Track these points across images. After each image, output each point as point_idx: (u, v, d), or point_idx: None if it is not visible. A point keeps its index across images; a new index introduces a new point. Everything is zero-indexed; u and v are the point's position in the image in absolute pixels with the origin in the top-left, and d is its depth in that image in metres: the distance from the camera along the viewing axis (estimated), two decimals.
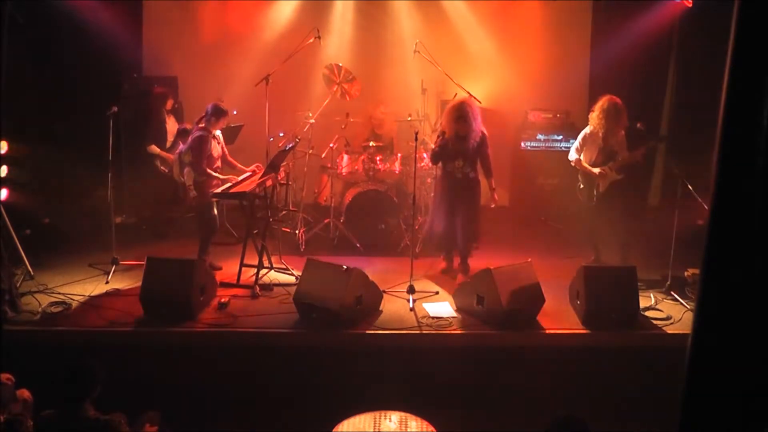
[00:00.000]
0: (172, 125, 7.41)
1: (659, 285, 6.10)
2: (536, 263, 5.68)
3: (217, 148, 6.27)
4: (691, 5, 7.43)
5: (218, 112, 6.18)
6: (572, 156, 6.38)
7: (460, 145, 6.02)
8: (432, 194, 6.59)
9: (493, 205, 6.27)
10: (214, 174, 6.21)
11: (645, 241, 6.86)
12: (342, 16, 8.33)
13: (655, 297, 5.93)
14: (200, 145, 6.12)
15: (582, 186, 6.41)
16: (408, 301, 5.73)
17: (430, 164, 7.26)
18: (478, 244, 6.42)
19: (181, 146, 6.76)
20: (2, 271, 5.29)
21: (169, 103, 7.42)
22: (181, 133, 7.17)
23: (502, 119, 8.37)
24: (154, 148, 7.21)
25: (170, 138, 7.35)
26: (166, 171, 7.29)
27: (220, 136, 6.37)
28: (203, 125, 6.19)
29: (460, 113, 5.97)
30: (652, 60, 8.02)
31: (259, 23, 8.29)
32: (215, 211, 6.39)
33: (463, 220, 6.13)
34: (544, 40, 8.48)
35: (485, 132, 6.13)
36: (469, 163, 6.09)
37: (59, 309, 5.54)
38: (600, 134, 6.23)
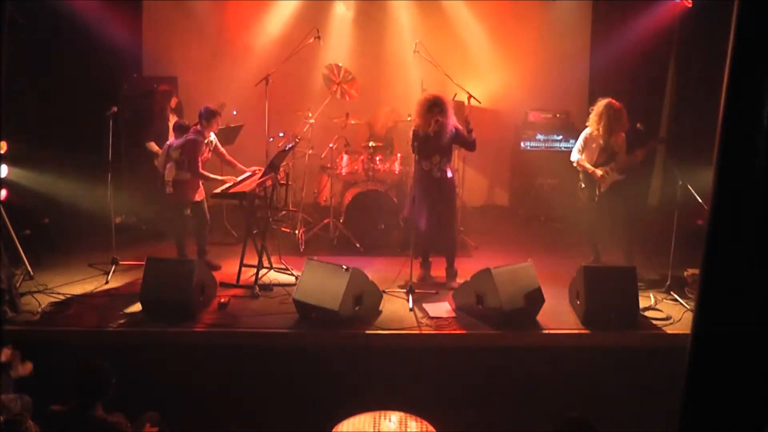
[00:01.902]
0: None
1: (659, 285, 6.10)
2: (536, 263, 5.67)
3: (206, 152, 6.25)
4: (691, 5, 7.43)
5: (210, 115, 6.18)
6: (574, 156, 6.37)
7: (436, 141, 5.91)
8: (410, 196, 6.34)
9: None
10: (211, 176, 6.22)
11: (645, 241, 6.86)
12: (342, 16, 8.34)
13: (655, 297, 5.92)
14: (193, 149, 6.11)
15: (584, 186, 6.41)
16: (408, 301, 5.73)
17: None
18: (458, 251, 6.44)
19: (173, 140, 6.61)
20: (2, 271, 5.29)
21: (174, 101, 7.40)
22: (177, 128, 7.11)
23: (502, 119, 8.39)
24: (153, 146, 7.16)
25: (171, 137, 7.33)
26: None
27: (215, 139, 6.35)
28: (199, 128, 6.19)
29: (435, 101, 5.85)
30: (652, 60, 8.02)
31: (259, 23, 8.30)
32: (188, 212, 6.33)
33: (443, 224, 6.12)
34: (544, 40, 8.49)
35: (459, 126, 6.01)
36: (446, 159, 6.04)
37: (59, 309, 5.53)
38: (598, 136, 6.23)
